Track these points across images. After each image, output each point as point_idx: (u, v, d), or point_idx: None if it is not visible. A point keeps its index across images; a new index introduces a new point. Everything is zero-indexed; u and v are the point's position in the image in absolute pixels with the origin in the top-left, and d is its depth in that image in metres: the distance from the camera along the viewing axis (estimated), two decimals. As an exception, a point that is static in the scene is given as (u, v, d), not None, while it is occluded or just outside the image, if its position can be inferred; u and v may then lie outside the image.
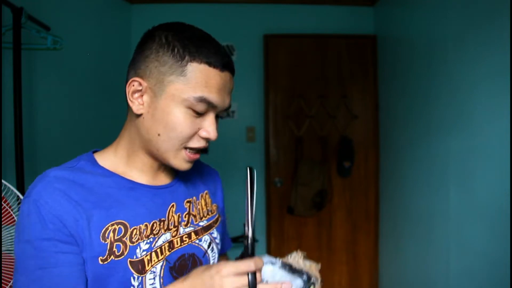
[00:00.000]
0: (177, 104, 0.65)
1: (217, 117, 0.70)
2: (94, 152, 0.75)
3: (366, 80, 2.68)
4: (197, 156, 0.71)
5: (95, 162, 0.71)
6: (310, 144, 2.66)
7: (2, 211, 1.23)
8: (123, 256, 0.65)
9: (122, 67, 2.89)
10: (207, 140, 0.69)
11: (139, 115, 0.68)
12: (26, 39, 1.61)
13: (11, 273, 1.24)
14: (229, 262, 0.59)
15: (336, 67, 2.68)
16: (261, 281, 0.61)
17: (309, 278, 0.67)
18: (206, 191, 0.86)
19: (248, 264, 0.58)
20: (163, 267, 0.69)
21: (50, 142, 1.90)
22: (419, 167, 2.06)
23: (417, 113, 2.08)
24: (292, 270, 0.68)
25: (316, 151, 2.67)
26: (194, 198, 0.81)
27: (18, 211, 1.29)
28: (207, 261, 0.78)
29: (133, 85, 0.67)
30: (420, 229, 2.05)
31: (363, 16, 2.73)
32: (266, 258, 0.68)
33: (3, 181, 1.25)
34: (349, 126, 2.68)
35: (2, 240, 1.24)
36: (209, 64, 0.64)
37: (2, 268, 1.23)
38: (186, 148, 0.69)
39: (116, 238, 0.65)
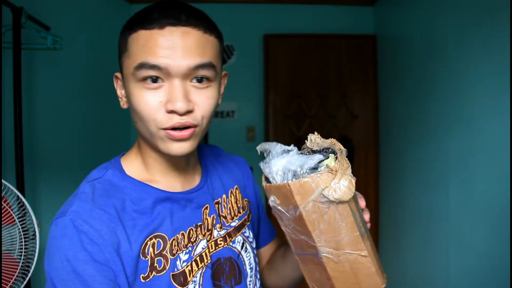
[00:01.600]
0: (131, 83, 0.59)
1: (199, 82, 0.58)
2: (122, 155, 0.71)
3: (366, 80, 2.68)
4: (182, 134, 0.58)
5: (122, 172, 0.66)
6: (310, 144, 2.66)
7: (2, 211, 1.23)
8: (165, 271, 0.62)
9: (122, 67, 2.87)
10: (177, 113, 0.57)
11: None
12: (26, 39, 1.61)
13: (11, 273, 1.24)
14: None
15: (336, 67, 2.68)
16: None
17: (327, 150, 0.56)
18: (236, 186, 0.80)
19: None
20: (202, 274, 0.66)
21: (50, 142, 1.90)
22: (419, 167, 2.06)
23: (417, 113, 2.08)
24: (313, 151, 0.58)
25: (316, 151, 2.67)
26: (224, 196, 0.76)
27: (18, 211, 1.29)
28: (242, 263, 0.74)
29: (117, 81, 0.66)
30: (420, 228, 2.05)
31: (363, 16, 2.73)
32: (279, 147, 0.58)
33: (3, 181, 1.25)
34: (349, 126, 2.68)
35: (2, 240, 1.24)
36: (145, 27, 0.56)
37: (2, 268, 1.23)
38: (163, 129, 0.59)
39: (156, 252, 0.61)
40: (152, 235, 0.62)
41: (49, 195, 1.86)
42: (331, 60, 2.68)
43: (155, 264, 0.61)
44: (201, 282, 0.66)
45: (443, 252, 1.81)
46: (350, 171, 0.52)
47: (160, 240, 0.62)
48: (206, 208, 0.71)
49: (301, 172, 0.52)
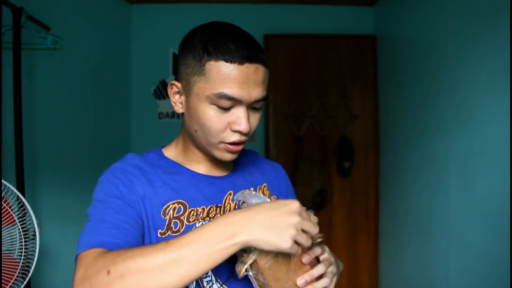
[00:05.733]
0: (202, 102, 0.68)
1: (254, 109, 0.72)
2: (162, 147, 0.84)
3: (366, 80, 2.68)
4: (238, 147, 0.73)
5: (161, 154, 0.80)
6: (310, 144, 2.66)
7: (2, 211, 1.23)
8: (179, 233, 0.71)
9: (122, 67, 2.91)
10: (240, 133, 0.70)
11: (183, 113, 0.76)
12: (26, 39, 1.61)
13: (11, 273, 1.25)
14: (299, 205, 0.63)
15: (336, 67, 2.68)
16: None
17: None
18: (264, 184, 0.88)
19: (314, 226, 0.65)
20: None
21: (50, 142, 1.90)
22: (419, 167, 2.06)
23: (417, 112, 2.08)
24: None
25: (316, 151, 2.67)
26: (252, 189, 0.84)
27: (18, 211, 1.29)
28: None
29: (172, 88, 0.74)
30: (420, 229, 2.05)
31: (363, 16, 2.73)
32: (255, 199, 0.68)
33: (3, 181, 1.25)
34: (349, 126, 2.68)
35: (2, 240, 1.24)
36: (226, 60, 0.65)
37: (2, 268, 1.23)
38: (223, 143, 0.71)
39: (175, 215, 0.72)
40: (175, 200, 0.73)
41: (49, 195, 1.86)
42: (331, 60, 2.68)
43: (171, 225, 0.71)
44: None
45: (443, 252, 1.81)
46: None
47: (181, 206, 0.73)
48: (230, 194, 0.80)
49: None
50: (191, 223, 0.73)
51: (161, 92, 2.66)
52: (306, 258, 0.66)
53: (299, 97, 2.65)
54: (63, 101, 2.00)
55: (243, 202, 0.67)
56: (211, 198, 0.77)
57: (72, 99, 2.06)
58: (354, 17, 2.73)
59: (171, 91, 0.74)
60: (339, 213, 2.68)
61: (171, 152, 0.81)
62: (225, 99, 0.66)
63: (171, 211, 0.72)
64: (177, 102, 0.74)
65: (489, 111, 1.50)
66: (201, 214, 0.74)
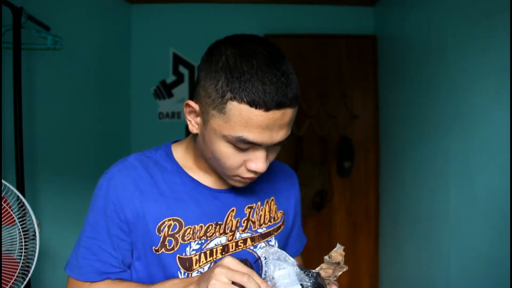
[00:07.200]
0: (219, 138, 0.63)
1: (274, 145, 0.65)
2: (174, 141, 0.80)
3: (366, 80, 2.68)
4: (251, 179, 0.69)
5: (170, 154, 0.76)
6: (310, 144, 2.66)
7: (2, 211, 1.23)
8: (173, 251, 0.70)
9: (122, 67, 2.90)
10: (256, 172, 0.66)
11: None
12: (26, 39, 1.61)
13: (11, 273, 1.25)
14: (234, 259, 0.60)
15: (336, 67, 2.68)
16: None
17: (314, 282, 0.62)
18: (272, 198, 0.83)
19: (242, 275, 0.57)
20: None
21: (50, 142, 1.90)
22: (419, 167, 2.06)
23: (417, 112, 2.08)
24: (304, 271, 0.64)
25: (316, 151, 2.67)
26: (259, 203, 0.80)
27: (18, 211, 1.29)
28: (257, 268, 0.77)
29: (188, 107, 0.67)
30: (420, 229, 2.05)
31: (363, 16, 2.73)
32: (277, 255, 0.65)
33: (3, 181, 1.25)
34: (349, 126, 2.68)
35: (2, 240, 1.24)
36: (250, 104, 0.57)
37: (2, 268, 1.23)
38: (238, 176, 0.67)
39: (169, 233, 0.70)
40: (171, 217, 0.70)
41: (49, 195, 1.86)
42: (331, 60, 2.68)
43: (166, 242, 0.70)
44: None
45: (443, 252, 1.81)
46: None
47: (177, 224, 0.70)
48: (232, 210, 0.76)
49: None
50: (186, 242, 0.70)
51: (161, 92, 2.66)
52: None
53: (299, 97, 2.64)
54: (63, 101, 2.00)
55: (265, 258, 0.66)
56: (212, 214, 0.73)
57: (72, 99, 2.06)
58: (354, 17, 2.73)
59: (187, 110, 0.68)
60: (339, 213, 2.68)
61: (181, 153, 0.76)
62: (244, 143, 0.61)
63: (166, 228, 0.70)
64: (192, 121, 0.68)
65: (489, 111, 1.50)
66: (198, 233, 0.71)
